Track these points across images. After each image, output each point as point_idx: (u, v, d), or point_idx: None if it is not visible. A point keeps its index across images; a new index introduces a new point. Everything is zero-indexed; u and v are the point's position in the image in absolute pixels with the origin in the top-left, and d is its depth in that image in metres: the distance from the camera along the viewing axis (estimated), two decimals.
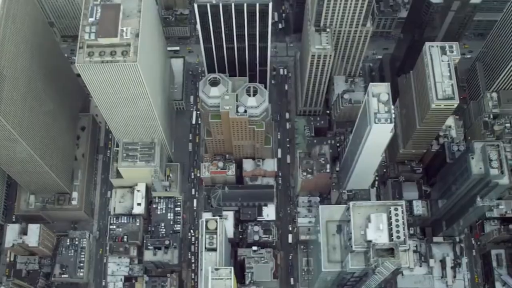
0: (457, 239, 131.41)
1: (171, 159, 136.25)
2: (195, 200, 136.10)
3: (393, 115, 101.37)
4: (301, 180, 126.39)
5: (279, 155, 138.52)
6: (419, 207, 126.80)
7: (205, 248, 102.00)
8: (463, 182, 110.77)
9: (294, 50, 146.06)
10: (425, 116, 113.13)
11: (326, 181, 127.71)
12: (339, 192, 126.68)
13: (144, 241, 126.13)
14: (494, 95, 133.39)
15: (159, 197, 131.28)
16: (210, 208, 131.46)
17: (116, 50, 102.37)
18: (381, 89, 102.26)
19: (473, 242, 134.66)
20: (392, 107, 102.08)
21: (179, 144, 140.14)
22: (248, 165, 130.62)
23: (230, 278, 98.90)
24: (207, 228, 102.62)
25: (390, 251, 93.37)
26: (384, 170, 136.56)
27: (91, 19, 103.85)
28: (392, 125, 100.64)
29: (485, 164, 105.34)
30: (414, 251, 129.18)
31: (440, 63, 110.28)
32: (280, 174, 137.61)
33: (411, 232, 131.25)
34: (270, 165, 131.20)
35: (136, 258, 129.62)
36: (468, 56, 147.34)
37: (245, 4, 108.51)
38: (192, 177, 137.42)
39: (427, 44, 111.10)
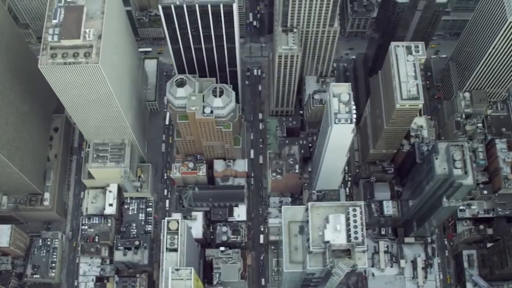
0: (429, 240, 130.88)
1: (143, 159, 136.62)
2: (167, 201, 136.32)
3: (354, 116, 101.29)
4: (271, 181, 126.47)
5: (252, 156, 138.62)
6: (389, 208, 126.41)
7: (166, 248, 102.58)
8: (429, 183, 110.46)
9: (268, 51, 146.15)
10: (391, 116, 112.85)
11: (296, 182, 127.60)
12: (309, 192, 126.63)
13: (115, 241, 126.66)
14: (467, 94, 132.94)
15: (131, 198, 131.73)
16: (181, 209, 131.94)
17: (79, 51, 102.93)
18: (342, 89, 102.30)
19: (445, 242, 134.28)
20: (354, 107, 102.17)
21: (152, 145, 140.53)
22: (219, 165, 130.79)
23: (190, 279, 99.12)
24: (168, 228, 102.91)
25: (348, 252, 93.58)
26: (357, 170, 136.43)
27: (54, 21, 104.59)
28: (352, 125, 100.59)
29: (448, 165, 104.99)
30: (385, 252, 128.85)
31: (406, 63, 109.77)
32: (252, 174, 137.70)
33: (383, 232, 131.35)
34: (241, 165, 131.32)
35: (107, 258, 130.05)
36: (444, 55, 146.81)
37: (209, 5, 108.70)
38: (165, 177, 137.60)
39: (393, 44, 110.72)
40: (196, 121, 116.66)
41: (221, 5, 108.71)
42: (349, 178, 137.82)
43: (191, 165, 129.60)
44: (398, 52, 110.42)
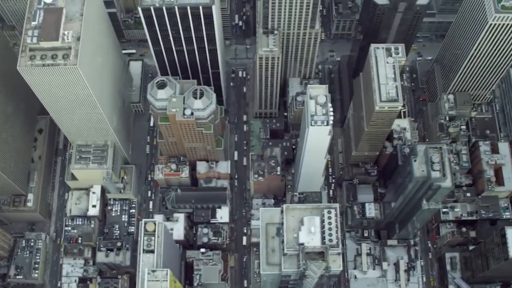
0: (412, 242, 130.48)
1: (127, 161, 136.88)
2: (151, 202, 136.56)
3: (331, 118, 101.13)
4: (253, 182, 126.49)
5: (236, 158, 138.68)
6: (371, 210, 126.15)
7: (143, 250, 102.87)
8: (408, 185, 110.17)
9: (253, 52, 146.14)
10: (371, 118, 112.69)
11: (278, 184, 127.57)
12: (291, 194, 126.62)
13: (97, 242, 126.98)
14: (451, 97, 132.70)
15: (114, 199, 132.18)
16: (164, 210, 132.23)
17: (58, 53, 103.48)
18: (319, 91, 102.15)
19: (429, 245, 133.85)
20: (331, 109, 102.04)
21: (137, 146, 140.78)
22: (201, 167, 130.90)
23: (166, 280, 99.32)
24: (145, 230, 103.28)
25: (322, 254, 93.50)
26: (341, 172, 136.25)
27: (34, 23, 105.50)
28: (328, 127, 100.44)
29: (427, 167, 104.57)
30: (368, 254, 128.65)
31: (385, 65, 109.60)
32: (236, 176, 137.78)
33: (365, 235, 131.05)
34: (224, 167, 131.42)
35: (90, 259, 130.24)
36: (429, 57, 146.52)
37: (188, 7, 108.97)
38: (149, 179, 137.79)
39: (373, 46, 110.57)
40: (177, 122, 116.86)
41: (201, 7, 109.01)
42: (333, 180, 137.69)
43: (173, 166, 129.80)
44: (378, 54, 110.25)
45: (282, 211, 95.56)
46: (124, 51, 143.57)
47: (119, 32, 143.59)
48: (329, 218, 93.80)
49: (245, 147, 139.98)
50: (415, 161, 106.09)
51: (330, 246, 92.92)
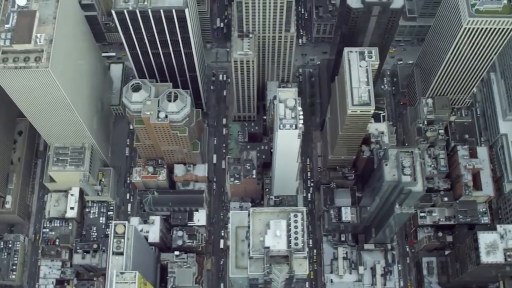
0: (389, 247, 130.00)
1: (106, 163, 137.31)
2: (129, 205, 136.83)
3: (301, 121, 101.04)
4: (229, 186, 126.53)
5: (214, 161, 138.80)
6: (347, 214, 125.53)
7: (112, 252, 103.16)
8: (380, 189, 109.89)
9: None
10: (345, 122, 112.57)
11: (255, 187, 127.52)
12: (267, 198, 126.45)
13: (74, 244, 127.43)
14: (429, 101, 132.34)
15: (92, 201, 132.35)
16: (142, 213, 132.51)
17: (30, 56, 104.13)
18: (288, 94, 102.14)
19: (407, 249, 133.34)
20: (301, 113, 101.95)
21: (117, 149, 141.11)
22: (179, 170, 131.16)
23: (134, 282, 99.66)
24: (115, 232, 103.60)
25: (287, 258, 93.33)
26: (319, 176, 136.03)
27: (7, 26, 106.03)
28: (297, 131, 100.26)
29: (398, 171, 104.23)
30: (344, 258, 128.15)
31: (358, 69, 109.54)
32: (215, 179, 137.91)
33: (343, 239, 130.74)
34: (201, 170, 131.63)
35: (68, 261, 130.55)
36: (410, 61, 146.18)
37: (161, 10, 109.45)
38: (128, 181, 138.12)
39: (346, 49, 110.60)
40: (151, 125, 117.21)
41: (174, 11, 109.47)
42: (311, 184, 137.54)
43: (151, 169, 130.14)
44: (351, 58, 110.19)
45: (249, 214, 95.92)
46: (105, 54, 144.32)
47: (101, 35, 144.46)
48: (296, 221, 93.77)
49: (224, 150, 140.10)
50: (386, 165, 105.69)
51: (296, 250, 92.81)
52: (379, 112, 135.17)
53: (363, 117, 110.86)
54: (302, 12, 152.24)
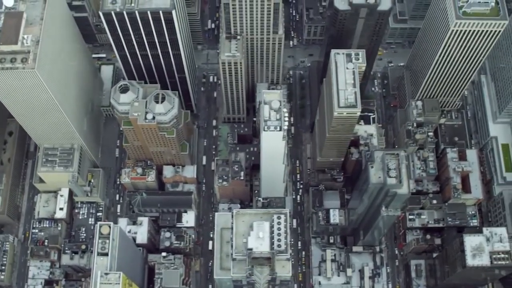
0: (378, 249, 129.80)
1: (96, 164, 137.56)
2: (118, 206, 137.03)
3: (285, 123, 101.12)
4: (217, 187, 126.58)
5: (204, 162, 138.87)
6: (336, 216, 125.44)
7: (97, 252, 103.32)
8: (366, 191, 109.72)
9: None
10: (331, 124, 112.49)
11: (243, 188, 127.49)
12: (256, 199, 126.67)
13: (62, 245, 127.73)
14: (419, 103, 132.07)
15: (82, 202, 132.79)
16: (131, 214, 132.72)
17: (17, 57, 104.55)
18: (273, 96, 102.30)
19: (396, 252, 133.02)
20: (286, 114, 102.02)
21: (107, 150, 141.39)
22: (168, 171, 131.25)
23: (119, 283, 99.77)
24: (100, 233, 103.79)
25: (270, 260, 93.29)
26: (309, 178, 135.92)
27: None
28: (281, 133, 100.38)
29: (383, 173, 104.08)
30: (332, 260, 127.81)
31: (345, 71, 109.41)
32: (204, 181, 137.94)
33: (331, 241, 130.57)
34: (190, 172, 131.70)
35: (57, 262, 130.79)
36: (401, 64, 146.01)
37: (148, 12, 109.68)
38: (118, 182, 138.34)
39: (333, 51, 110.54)
40: (139, 127, 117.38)
41: (161, 12, 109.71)
42: (301, 186, 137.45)
43: (139, 170, 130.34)
44: (338, 60, 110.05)
45: (232, 216, 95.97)
46: (96, 55, 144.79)
47: (92, 36, 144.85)
48: (279, 223, 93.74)
49: (214, 152, 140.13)
50: (372, 167, 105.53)
51: (279, 251, 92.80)
52: (369, 114, 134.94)
53: (350, 119, 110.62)
54: (294, 14, 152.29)
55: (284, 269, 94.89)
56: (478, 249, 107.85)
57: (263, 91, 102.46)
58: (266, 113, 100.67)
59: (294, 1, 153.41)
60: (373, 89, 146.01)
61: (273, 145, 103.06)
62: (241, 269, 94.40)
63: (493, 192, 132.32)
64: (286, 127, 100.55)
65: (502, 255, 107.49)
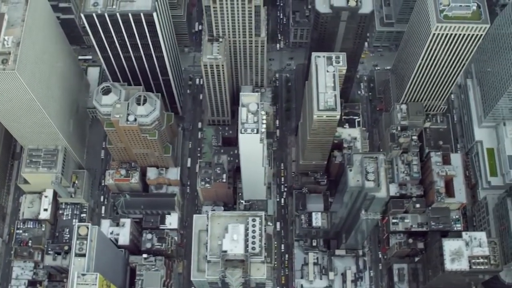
0: (360, 253, 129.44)
1: (81, 165, 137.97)
2: (103, 207, 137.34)
3: (263, 125, 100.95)
4: (200, 189, 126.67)
5: (189, 164, 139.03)
6: (318, 219, 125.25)
7: (75, 253, 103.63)
8: (345, 195, 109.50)
9: None
10: (311, 127, 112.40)
11: (225, 191, 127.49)
12: (238, 202, 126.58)
13: (46, 245, 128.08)
14: (403, 107, 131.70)
15: (66, 203, 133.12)
16: (115, 216, 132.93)
17: None
18: (251, 99, 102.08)
19: (380, 255, 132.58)
20: (264, 117, 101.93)
21: (93, 151, 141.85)
22: (151, 173, 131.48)
23: (95, 284, 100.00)
24: (78, 234, 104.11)
25: (244, 262, 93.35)
26: (293, 181, 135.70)
27: None
28: (258, 135, 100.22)
29: (362, 177, 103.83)
30: (315, 264, 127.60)
31: (325, 74, 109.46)
32: (189, 183, 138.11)
33: (314, 244, 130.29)
34: (174, 174, 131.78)
35: (41, 262, 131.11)
36: (388, 67, 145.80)
37: (129, 14, 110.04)
38: (103, 184, 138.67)
39: (314, 54, 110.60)
40: (121, 128, 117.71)
41: (142, 15, 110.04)
42: (285, 189, 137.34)
43: (123, 172, 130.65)
44: (318, 63, 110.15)
45: (207, 218, 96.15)
46: (82, 57, 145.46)
47: (79, 38, 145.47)
48: (253, 226, 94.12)
49: (198, 154, 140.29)
50: (350, 170, 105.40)
51: (253, 254, 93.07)
52: (354, 117, 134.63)
53: (329, 122, 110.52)
54: (281, 17, 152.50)
55: (259, 272, 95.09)
56: (457, 253, 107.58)
57: (241, 93, 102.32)
58: (244, 116, 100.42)
59: (281, 4, 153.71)
60: (359, 92, 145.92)
61: (250, 147, 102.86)
62: (215, 271, 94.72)
63: (478, 196, 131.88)
64: (264, 130, 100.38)
65: (481, 260, 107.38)
